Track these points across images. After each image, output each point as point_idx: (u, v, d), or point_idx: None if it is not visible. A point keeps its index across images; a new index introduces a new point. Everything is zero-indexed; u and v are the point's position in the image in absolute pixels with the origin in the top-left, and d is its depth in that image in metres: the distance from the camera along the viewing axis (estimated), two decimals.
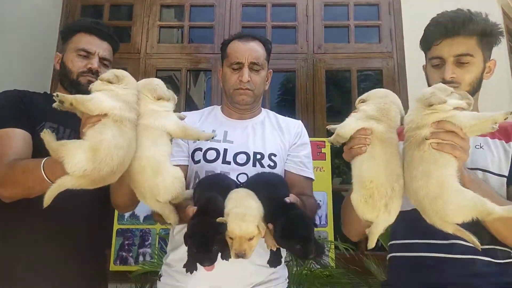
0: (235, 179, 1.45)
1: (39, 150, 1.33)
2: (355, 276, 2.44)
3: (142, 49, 3.40)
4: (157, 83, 1.25)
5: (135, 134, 1.13)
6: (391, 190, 1.03)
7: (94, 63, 1.51)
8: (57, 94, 1.05)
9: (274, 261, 1.30)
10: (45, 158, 1.19)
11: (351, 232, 1.38)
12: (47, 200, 1.04)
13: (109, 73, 1.17)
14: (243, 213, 1.09)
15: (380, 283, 1.45)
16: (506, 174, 1.22)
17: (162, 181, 1.14)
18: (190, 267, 1.12)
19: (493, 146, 1.26)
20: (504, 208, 0.96)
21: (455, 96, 1.06)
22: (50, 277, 1.36)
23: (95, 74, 1.47)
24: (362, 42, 3.44)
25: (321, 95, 3.31)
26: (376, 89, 1.18)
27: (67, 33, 1.59)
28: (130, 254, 2.95)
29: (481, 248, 1.14)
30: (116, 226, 2.96)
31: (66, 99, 1.06)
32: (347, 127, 1.11)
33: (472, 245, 1.13)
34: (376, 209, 1.04)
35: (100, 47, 1.55)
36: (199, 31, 3.67)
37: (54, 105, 1.06)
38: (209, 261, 1.05)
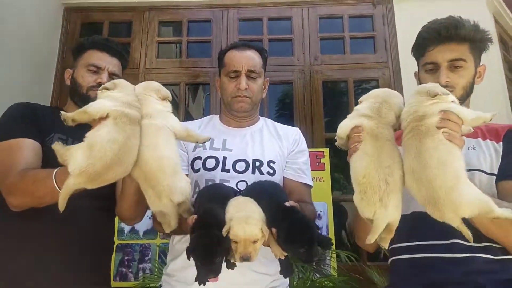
0: (235, 187, 1.45)
1: (48, 161, 1.37)
2: (357, 284, 2.40)
3: (141, 65, 3.45)
4: (159, 85, 1.31)
5: (138, 131, 1.15)
6: (384, 184, 1.03)
7: (104, 78, 1.55)
8: (60, 113, 1.10)
9: (286, 270, 1.26)
10: (57, 169, 1.21)
11: (366, 245, 1.37)
12: (62, 205, 1.07)
13: (108, 82, 1.23)
14: (246, 216, 1.10)
15: None
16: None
17: (179, 181, 1.16)
18: (201, 278, 1.11)
19: (484, 147, 1.30)
20: (503, 210, 0.97)
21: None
22: (52, 285, 1.34)
23: None
24: (358, 53, 3.49)
25: (318, 106, 3.34)
26: (375, 89, 1.22)
27: (79, 50, 1.64)
28: (130, 270, 2.91)
29: (480, 246, 1.17)
30: (115, 242, 2.93)
31: (68, 117, 1.10)
32: (342, 127, 1.15)
33: (472, 244, 1.14)
34: (371, 205, 1.03)
35: (110, 63, 1.59)
36: (197, 46, 3.73)
37: (65, 122, 1.11)
38: (213, 273, 1.05)
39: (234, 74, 1.57)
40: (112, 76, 1.59)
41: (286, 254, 1.16)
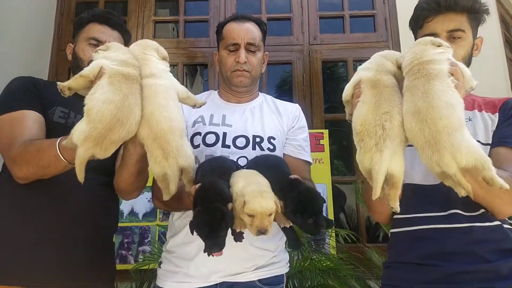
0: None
1: (50, 135, 1.36)
2: (356, 263, 2.41)
3: None
4: (156, 43, 1.28)
5: (137, 89, 1.12)
6: (381, 129, 1.00)
7: None
8: (57, 83, 1.09)
9: (294, 243, 1.26)
10: (60, 137, 1.20)
11: (380, 215, 1.38)
12: (81, 176, 1.06)
13: (102, 45, 1.22)
14: (260, 190, 1.10)
15: (383, 263, 1.43)
16: None
17: (185, 143, 1.15)
18: (208, 250, 1.09)
19: (480, 118, 1.30)
20: (500, 175, 0.94)
21: None
22: (56, 260, 1.33)
23: None
24: (358, 32, 3.43)
25: (318, 87, 3.30)
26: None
27: (79, 24, 1.60)
28: (130, 253, 2.91)
29: (476, 215, 1.17)
30: None
31: (63, 86, 1.09)
32: (345, 89, 1.15)
33: (470, 214, 1.14)
34: (368, 151, 1.00)
35: (110, 35, 1.55)
36: (194, 25, 3.65)
37: (62, 93, 1.11)
38: (218, 247, 1.05)
39: (233, 47, 1.54)
40: None
41: (290, 224, 1.15)
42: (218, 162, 1.30)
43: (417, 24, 1.40)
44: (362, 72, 1.13)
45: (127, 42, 1.65)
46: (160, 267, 1.49)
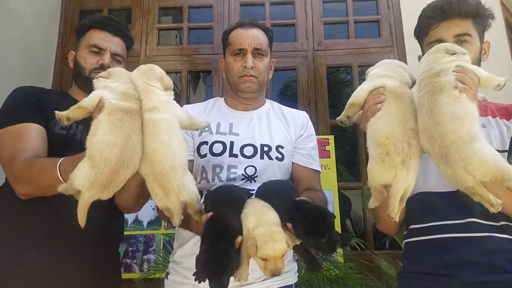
0: (243, 172, 1.42)
1: (52, 146, 1.35)
2: (365, 271, 2.38)
3: (142, 52, 3.39)
4: (161, 71, 1.23)
5: (138, 125, 1.09)
6: (408, 146, 0.99)
7: (106, 59, 1.50)
8: (55, 113, 1.08)
9: (312, 264, 1.24)
10: (62, 159, 1.19)
11: (387, 225, 1.36)
12: (82, 221, 1.06)
13: (103, 72, 1.19)
14: (271, 231, 1.07)
15: (397, 273, 1.40)
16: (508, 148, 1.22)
17: (187, 180, 1.11)
18: (200, 277, 1.06)
19: (495, 125, 1.28)
20: None
21: None
22: (61, 274, 1.32)
23: None
24: (362, 38, 3.42)
25: (323, 92, 3.28)
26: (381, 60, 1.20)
27: (80, 30, 1.58)
28: (135, 261, 2.88)
29: (497, 225, 1.13)
30: None
31: (62, 116, 1.08)
32: (360, 91, 1.10)
33: (487, 223, 1.11)
34: (393, 167, 0.98)
35: (112, 42, 1.53)
36: (198, 32, 3.66)
37: (60, 122, 1.09)
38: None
39: (240, 53, 1.53)
40: (115, 56, 1.53)
41: (298, 243, 1.12)
42: (229, 191, 1.28)
43: (422, 32, 1.38)
44: (385, 80, 1.10)
45: (129, 48, 1.63)
46: (167, 278, 1.46)
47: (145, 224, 2.97)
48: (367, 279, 2.39)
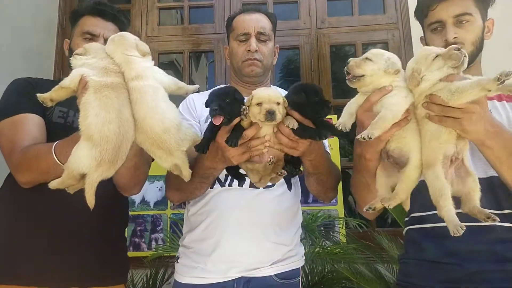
0: None
1: (50, 135, 1.37)
2: (366, 250, 2.43)
3: (143, 33, 3.34)
4: (135, 38, 1.24)
5: (125, 97, 1.13)
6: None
7: None
8: (37, 95, 1.09)
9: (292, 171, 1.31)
10: (56, 142, 1.21)
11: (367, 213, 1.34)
12: (90, 202, 1.09)
13: (79, 49, 1.21)
14: (266, 88, 1.29)
15: (398, 256, 1.43)
16: None
17: (183, 133, 1.17)
18: (201, 147, 1.22)
19: (500, 108, 1.26)
20: None
21: (439, 61, 1.03)
22: (69, 257, 1.36)
23: None
24: (367, 14, 3.35)
25: (326, 71, 3.25)
26: (377, 50, 1.13)
27: (73, 18, 1.57)
28: (143, 240, 2.97)
29: (500, 214, 1.13)
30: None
31: (45, 98, 1.10)
32: (401, 108, 1.06)
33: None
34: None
35: (105, 28, 1.51)
36: (199, 11, 3.59)
37: (44, 104, 1.12)
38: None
39: (244, 37, 1.53)
40: None
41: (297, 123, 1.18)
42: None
43: (422, 14, 1.36)
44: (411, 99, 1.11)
45: (123, 30, 1.57)
46: (177, 262, 1.51)
47: (151, 204, 3.04)
48: (368, 258, 2.44)
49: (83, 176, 1.10)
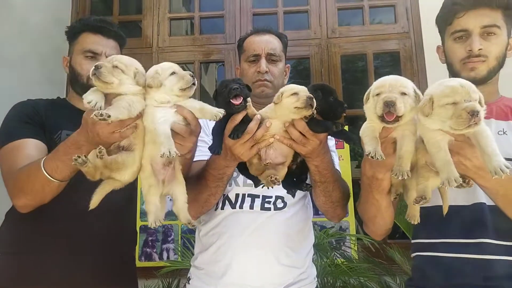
0: None
1: None
2: (378, 267, 2.41)
3: (154, 43, 3.36)
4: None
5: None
6: None
7: None
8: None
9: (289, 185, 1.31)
10: (43, 157, 1.19)
11: (376, 231, 1.33)
12: (95, 202, 1.13)
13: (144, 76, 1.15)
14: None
15: (405, 281, 1.42)
16: None
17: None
18: (215, 148, 1.22)
19: None
20: None
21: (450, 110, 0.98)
22: (77, 276, 1.36)
23: None
24: (377, 23, 3.33)
25: (337, 81, 3.23)
26: (387, 78, 1.08)
27: (71, 33, 1.54)
28: (154, 250, 2.99)
29: (508, 245, 1.11)
30: (139, 223, 2.98)
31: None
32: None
33: (499, 243, 1.09)
34: None
35: (106, 46, 1.50)
36: (209, 21, 3.61)
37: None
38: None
39: (254, 58, 1.55)
40: None
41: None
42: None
43: (446, 21, 1.30)
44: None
45: (122, 47, 1.59)
46: (189, 283, 1.52)
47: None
48: (380, 273, 2.42)
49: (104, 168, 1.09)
